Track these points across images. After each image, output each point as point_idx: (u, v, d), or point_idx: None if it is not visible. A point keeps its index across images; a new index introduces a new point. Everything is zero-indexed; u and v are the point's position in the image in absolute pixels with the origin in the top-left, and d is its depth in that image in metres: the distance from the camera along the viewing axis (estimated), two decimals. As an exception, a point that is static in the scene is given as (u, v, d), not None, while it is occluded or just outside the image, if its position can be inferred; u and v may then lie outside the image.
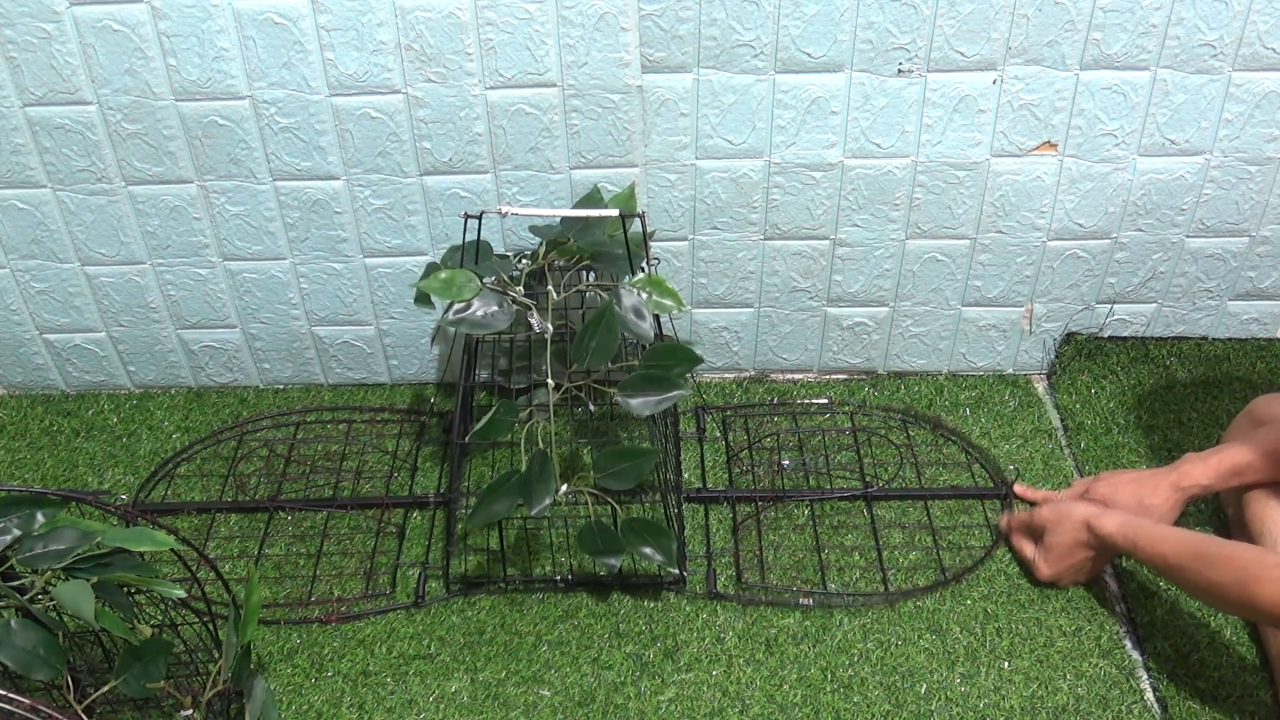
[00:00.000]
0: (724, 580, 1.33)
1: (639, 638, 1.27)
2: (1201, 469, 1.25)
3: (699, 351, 1.58)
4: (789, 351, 1.60)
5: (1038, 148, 1.39)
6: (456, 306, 1.21)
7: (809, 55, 1.32)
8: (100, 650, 1.12)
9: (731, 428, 1.54)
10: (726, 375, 1.64)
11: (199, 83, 1.32)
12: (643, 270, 1.28)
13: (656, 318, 1.26)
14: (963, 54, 1.32)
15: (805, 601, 1.29)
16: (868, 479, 1.45)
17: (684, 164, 1.41)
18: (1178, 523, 1.27)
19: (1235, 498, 1.28)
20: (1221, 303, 1.56)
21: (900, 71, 1.33)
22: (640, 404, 1.21)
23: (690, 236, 1.48)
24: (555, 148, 1.38)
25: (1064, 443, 1.50)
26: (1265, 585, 1.02)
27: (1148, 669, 1.22)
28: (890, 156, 1.40)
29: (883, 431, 1.52)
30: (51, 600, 0.97)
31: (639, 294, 1.25)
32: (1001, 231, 1.47)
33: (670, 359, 1.22)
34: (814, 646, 1.25)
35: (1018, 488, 1.42)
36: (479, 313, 1.21)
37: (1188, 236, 1.48)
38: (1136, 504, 1.26)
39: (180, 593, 1.01)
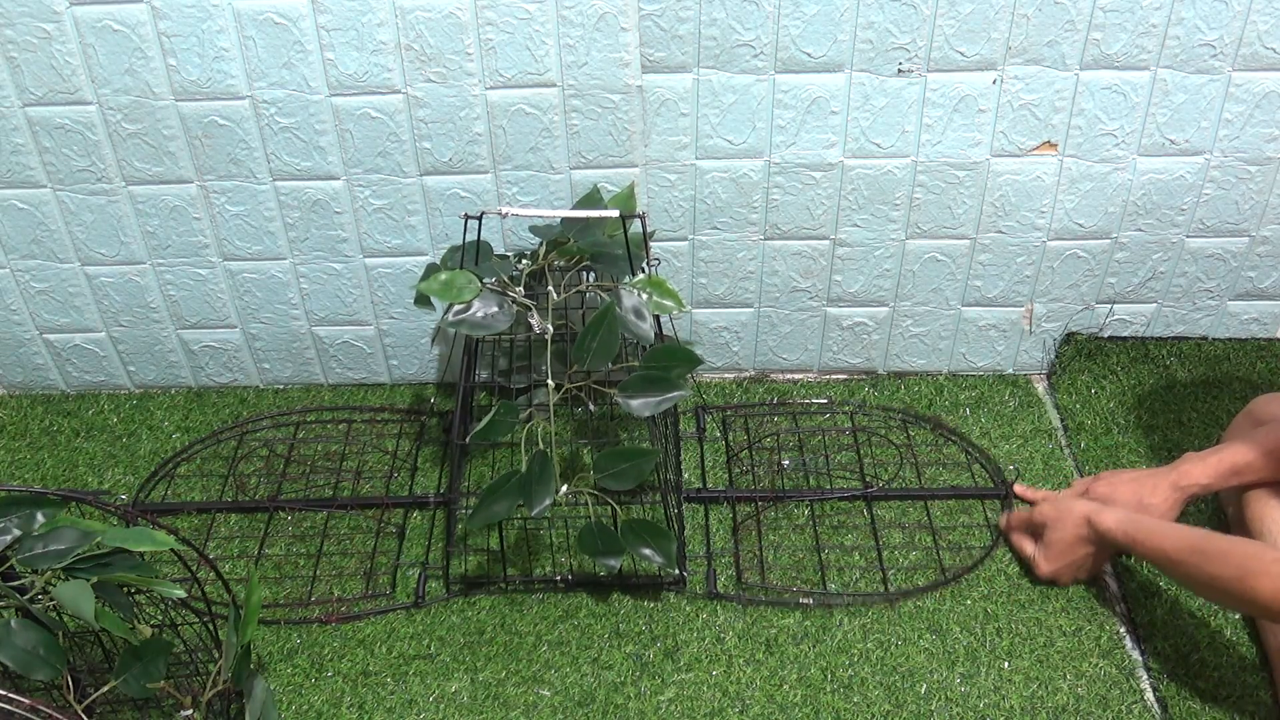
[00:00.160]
0: (724, 580, 1.33)
1: (639, 638, 1.27)
2: (1201, 468, 1.25)
3: (699, 351, 1.58)
4: (789, 351, 1.60)
5: (1038, 148, 1.39)
6: (456, 308, 1.21)
7: (809, 55, 1.32)
8: (100, 650, 1.12)
9: (731, 428, 1.54)
10: (726, 375, 1.64)
11: (199, 83, 1.32)
12: (643, 271, 1.28)
13: (657, 318, 1.26)
14: (963, 54, 1.32)
15: (805, 601, 1.29)
16: (868, 479, 1.45)
17: (684, 164, 1.41)
18: (1178, 522, 1.27)
19: (1235, 497, 1.28)
20: (1221, 303, 1.56)
21: (900, 71, 1.33)
22: (640, 405, 1.21)
23: (690, 236, 1.48)
24: (555, 148, 1.38)
25: (1064, 443, 1.50)
26: (1264, 579, 1.02)
27: (1148, 669, 1.22)
28: (890, 156, 1.40)
29: (883, 431, 1.52)
30: (51, 600, 0.97)
31: (639, 294, 1.25)
32: (1001, 231, 1.47)
33: (670, 360, 1.22)
34: (814, 646, 1.25)
35: (1018, 488, 1.42)
36: (479, 314, 1.21)
37: (1188, 236, 1.48)
38: (1136, 503, 1.26)
39: (180, 593, 1.01)
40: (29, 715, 0.90)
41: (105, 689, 1.02)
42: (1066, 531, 1.25)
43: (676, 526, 1.32)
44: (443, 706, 1.20)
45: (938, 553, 1.35)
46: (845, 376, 1.62)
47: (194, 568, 1.24)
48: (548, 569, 1.34)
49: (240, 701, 1.10)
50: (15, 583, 0.99)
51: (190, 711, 1.06)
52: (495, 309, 1.22)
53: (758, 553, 1.36)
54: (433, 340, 1.58)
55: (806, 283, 1.52)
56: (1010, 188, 1.42)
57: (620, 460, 1.22)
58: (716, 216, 1.46)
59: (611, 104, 1.35)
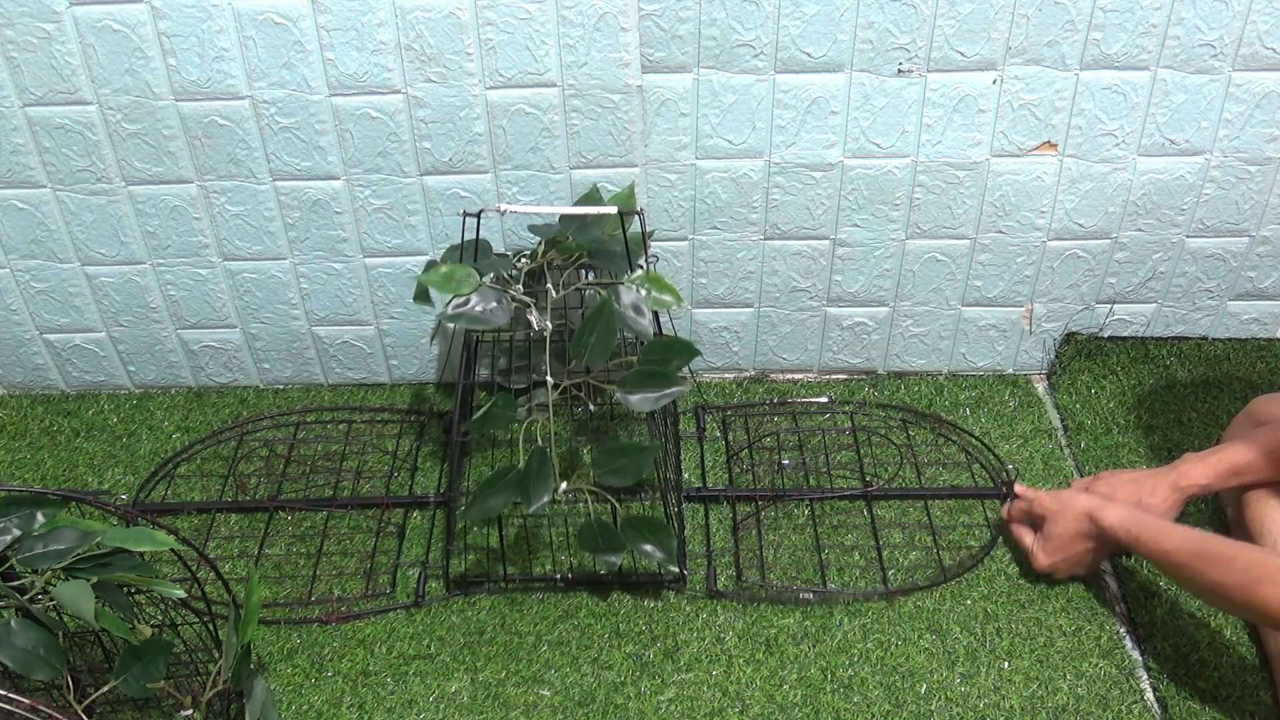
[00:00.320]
0: (724, 580, 1.33)
1: (639, 638, 1.27)
2: (1201, 469, 1.25)
3: (699, 352, 1.58)
4: (789, 351, 1.60)
5: (1038, 148, 1.39)
6: (455, 301, 1.21)
7: (809, 55, 1.32)
8: (100, 650, 1.12)
9: (731, 427, 1.54)
10: (726, 375, 1.64)
11: (199, 83, 1.32)
12: (641, 268, 1.28)
13: (656, 316, 1.27)
14: (963, 54, 1.32)
15: (806, 596, 1.29)
16: (868, 479, 1.45)
17: (684, 164, 1.41)
18: (1177, 522, 1.27)
19: (1235, 498, 1.28)
20: (1221, 303, 1.56)
21: (900, 71, 1.33)
22: (639, 400, 1.21)
23: (690, 236, 1.48)
24: (555, 148, 1.38)
25: (1064, 443, 1.50)
26: (1270, 588, 1.01)
27: (1148, 669, 1.22)
28: (890, 156, 1.40)
29: (883, 431, 1.52)
30: (51, 600, 0.97)
31: (638, 290, 1.24)
32: (1001, 231, 1.47)
33: (667, 353, 1.22)
34: (814, 646, 1.25)
35: (1017, 488, 1.41)
36: (478, 308, 1.21)
37: (1188, 236, 1.48)
38: (1135, 503, 1.25)
39: (180, 593, 1.01)
40: (29, 715, 0.90)
41: (105, 689, 1.02)
42: (1067, 525, 1.24)
43: (676, 525, 1.32)
44: (443, 706, 1.20)
45: (938, 552, 1.35)
46: (845, 376, 1.62)
47: (194, 568, 1.24)
48: (547, 568, 1.34)
49: (240, 701, 1.10)
50: (15, 583, 0.99)
51: (190, 711, 1.06)
52: (494, 303, 1.22)
53: (758, 552, 1.36)
54: (432, 337, 1.58)
55: (806, 283, 1.52)
56: (1010, 188, 1.42)
57: (619, 456, 1.22)
58: (716, 216, 1.46)
59: (611, 104, 1.35)
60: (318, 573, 1.35)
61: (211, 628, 1.12)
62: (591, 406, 1.41)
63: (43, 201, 1.43)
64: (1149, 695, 1.19)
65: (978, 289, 1.53)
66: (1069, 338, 1.58)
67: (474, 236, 1.30)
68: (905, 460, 1.47)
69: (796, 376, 1.63)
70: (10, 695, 0.90)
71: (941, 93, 1.35)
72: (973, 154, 1.39)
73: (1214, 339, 1.61)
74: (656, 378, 1.21)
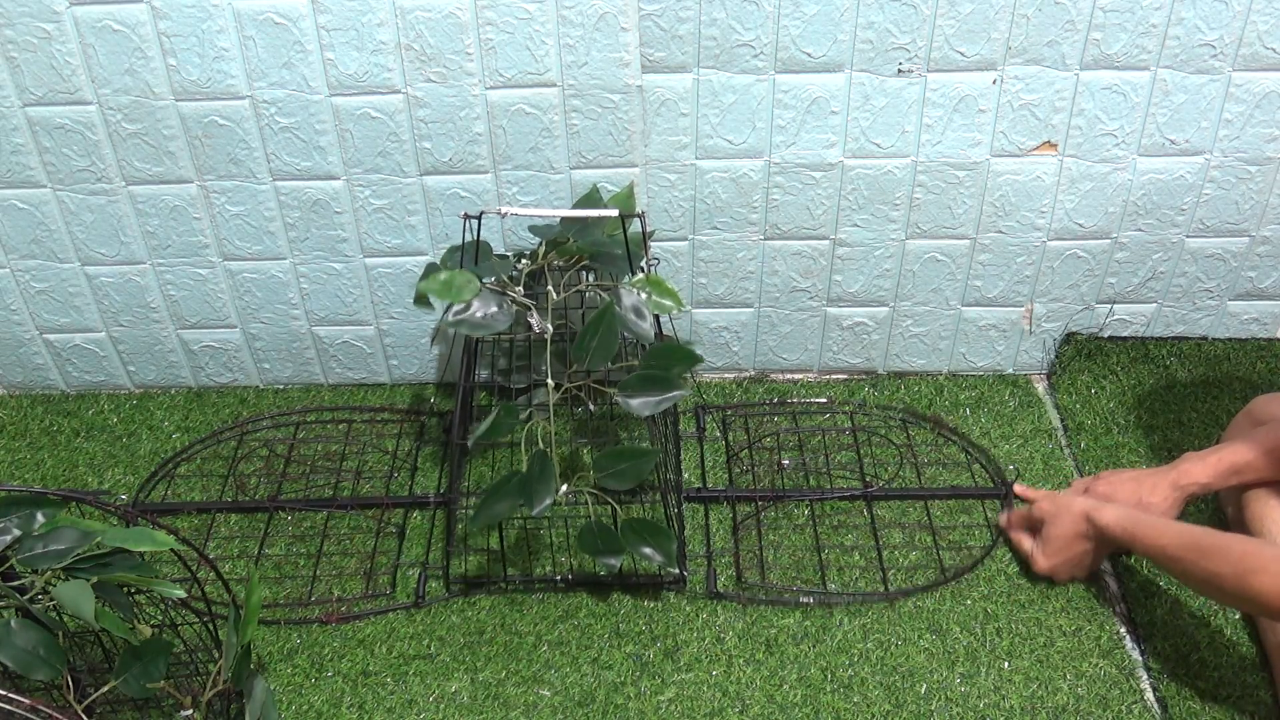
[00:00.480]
0: (724, 580, 1.33)
1: (639, 638, 1.27)
2: (1201, 468, 1.25)
3: (699, 352, 1.58)
4: (789, 351, 1.60)
5: (1038, 148, 1.39)
6: (456, 308, 1.21)
7: (809, 55, 1.32)
8: (100, 650, 1.12)
9: (731, 427, 1.54)
10: (726, 375, 1.64)
11: (199, 83, 1.32)
12: (642, 270, 1.28)
13: (656, 318, 1.26)
14: (963, 54, 1.32)
15: (805, 601, 1.29)
16: (868, 479, 1.45)
17: (684, 164, 1.41)
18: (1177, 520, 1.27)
19: (1235, 497, 1.28)
20: (1221, 303, 1.56)
21: (900, 71, 1.33)
22: (640, 404, 1.21)
23: (690, 236, 1.48)
24: (555, 148, 1.38)
25: (1064, 443, 1.50)
26: (1264, 576, 1.02)
27: (1148, 669, 1.22)
28: (890, 156, 1.40)
29: (883, 431, 1.52)
30: (51, 600, 0.97)
31: (639, 294, 1.25)
32: (1001, 231, 1.47)
33: (670, 359, 1.22)
34: (814, 646, 1.25)
35: (1017, 488, 1.42)
36: (479, 314, 1.21)
37: (1188, 236, 1.48)
38: (1136, 503, 1.26)
39: (180, 593, 1.01)
40: (29, 715, 0.90)
41: (105, 689, 1.02)
42: (1065, 527, 1.25)
43: (676, 526, 1.32)
44: (443, 706, 1.20)
45: (938, 552, 1.35)
46: (845, 376, 1.62)
47: (194, 568, 1.24)
48: (548, 569, 1.34)
49: (240, 701, 1.10)
50: (15, 583, 0.99)
51: (190, 711, 1.06)
52: (495, 309, 1.22)
53: (758, 552, 1.36)
54: (432, 340, 1.58)
55: (806, 283, 1.52)
56: (1010, 188, 1.42)
57: (620, 460, 1.22)
58: (716, 216, 1.46)
59: (611, 104, 1.35)
60: (318, 573, 1.35)
61: (211, 628, 1.12)
62: (592, 407, 1.41)
63: (43, 201, 1.43)
64: (1149, 695, 1.19)
65: (978, 289, 1.53)
66: (1069, 338, 1.58)
67: (474, 239, 1.30)
68: (905, 460, 1.47)
69: (796, 376, 1.63)
70: (10, 695, 0.90)
71: (941, 93, 1.35)
72: (973, 154, 1.39)
73: (1214, 339, 1.61)
74: (657, 381, 1.21)
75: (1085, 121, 1.37)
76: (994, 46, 1.31)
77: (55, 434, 1.57)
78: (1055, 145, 1.39)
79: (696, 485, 1.45)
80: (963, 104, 1.35)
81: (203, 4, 1.27)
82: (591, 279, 1.38)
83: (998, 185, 1.42)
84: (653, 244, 1.47)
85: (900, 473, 1.45)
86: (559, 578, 1.32)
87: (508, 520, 1.39)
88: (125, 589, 1.01)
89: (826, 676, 1.22)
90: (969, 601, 1.29)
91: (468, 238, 1.28)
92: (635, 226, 1.33)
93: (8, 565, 0.97)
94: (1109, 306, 1.56)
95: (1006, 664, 1.23)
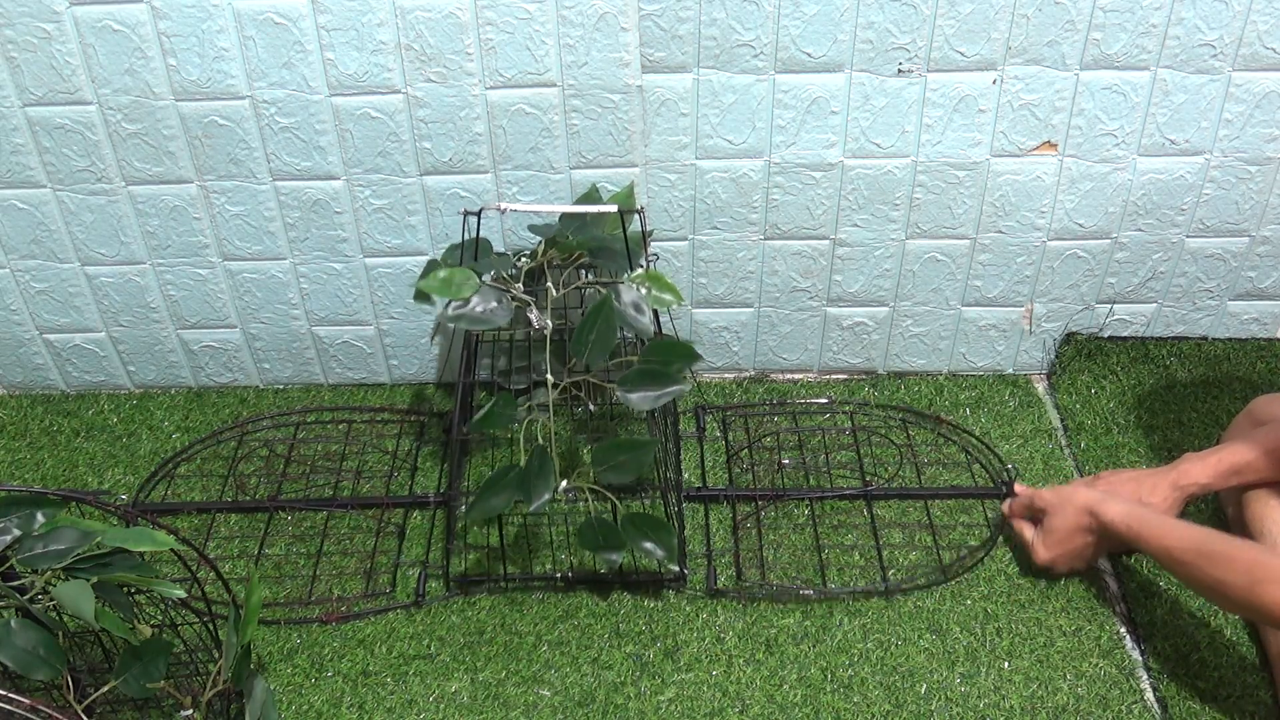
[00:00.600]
0: (724, 579, 1.33)
1: (639, 637, 1.27)
2: (1201, 468, 1.25)
3: (699, 352, 1.58)
4: (789, 351, 1.60)
5: (1038, 148, 1.39)
6: (455, 303, 1.21)
7: (809, 55, 1.32)
8: (100, 650, 1.12)
9: (731, 427, 1.54)
10: (726, 375, 1.64)
11: (199, 83, 1.32)
12: (641, 267, 1.28)
13: (656, 315, 1.26)
14: (963, 54, 1.32)
15: (806, 592, 1.29)
16: (868, 478, 1.45)
17: (684, 164, 1.41)
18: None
19: (1235, 497, 1.28)
20: (1221, 303, 1.56)
21: (900, 71, 1.33)
22: (639, 399, 1.21)
23: (690, 236, 1.48)
24: (555, 148, 1.38)
25: (1064, 443, 1.50)
26: (1271, 586, 1.01)
27: (1148, 669, 1.22)
28: (890, 156, 1.40)
29: (883, 431, 1.52)
30: (51, 600, 0.97)
31: (638, 289, 1.24)
32: (1001, 231, 1.47)
33: (668, 355, 1.22)
34: (814, 646, 1.25)
35: (1017, 487, 1.41)
36: (478, 309, 1.21)
37: (1188, 236, 1.48)
38: (1135, 502, 1.25)
39: (180, 593, 1.01)
40: (29, 715, 0.90)
41: (105, 689, 1.02)
42: (1068, 519, 1.24)
43: (677, 525, 1.32)
44: (443, 706, 1.20)
45: (938, 552, 1.35)
46: (845, 376, 1.62)
47: (194, 568, 1.24)
48: (548, 567, 1.34)
49: (240, 701, 1.10)
50: (15, 583, 0.99)
51: (190, 711, 1.06)
52: (494, 304, 1.22)
53: (758, 552, 1.36)
54: (433, 337, 1.58)
55: (806, 283, 1.52)
56: (1010, 188, 1.42)
57: (619, 452, 1.22)
58: (716, 216, 1.46)
59: (611, 104, 1.35)
60: (318, 573, 1.35)
61: (211, 628, 1.12)
62: (591, 406, 1.41)
63: (43, 201, 1.43)
64: (1149, 695, 1.19)
65: (978, 289, 1.53)
66: (1069, 338, 1.58)
67: (474, 236, 1.30)
68: (905, 460, 1.47)
69: (796, 376, 1.63)
70: (10, 695, 0.90)
71: (941, 93, 1.35)
72: (973, 154, 1.39)
73: (1214, 339, 1.61)
74: (656, 376, 1.21)
75: (1085, 121, 1.37)
76: (994, 46, 1.31)
77: (55, 434, 1.57)
78: (1055, 145, 1.39)
79: (696, 485, 1.45)
80: (963, 104, 1.35)
81: (203, 4, 1.27)
82: (591, 276, 1.38)
83: (998, 185, 1.42)
84: (653, 243, 1.47)
85: (900, 472, 1.45)
86: (559, 575, 1.32)
87: (507, 517, 1.39)
88: (125, 589, 1.01)
89: (826, 676, 1.22)
90: (969, 601, 1.29)
91: (468, 235, 1.28)
92: (635, 224, 1.33)
93: (8, 565, 0.97)
94: (1109, 306, 1.56)
95: (1006, 664, 1.23)
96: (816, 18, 1.29)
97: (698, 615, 1.29)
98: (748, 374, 1.64)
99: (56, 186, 1.42)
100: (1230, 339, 1.61)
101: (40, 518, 0.99)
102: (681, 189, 1.43)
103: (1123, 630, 1.26)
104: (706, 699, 1.20)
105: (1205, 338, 1.61)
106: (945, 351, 1.59)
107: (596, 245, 1.30)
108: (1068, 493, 1.26)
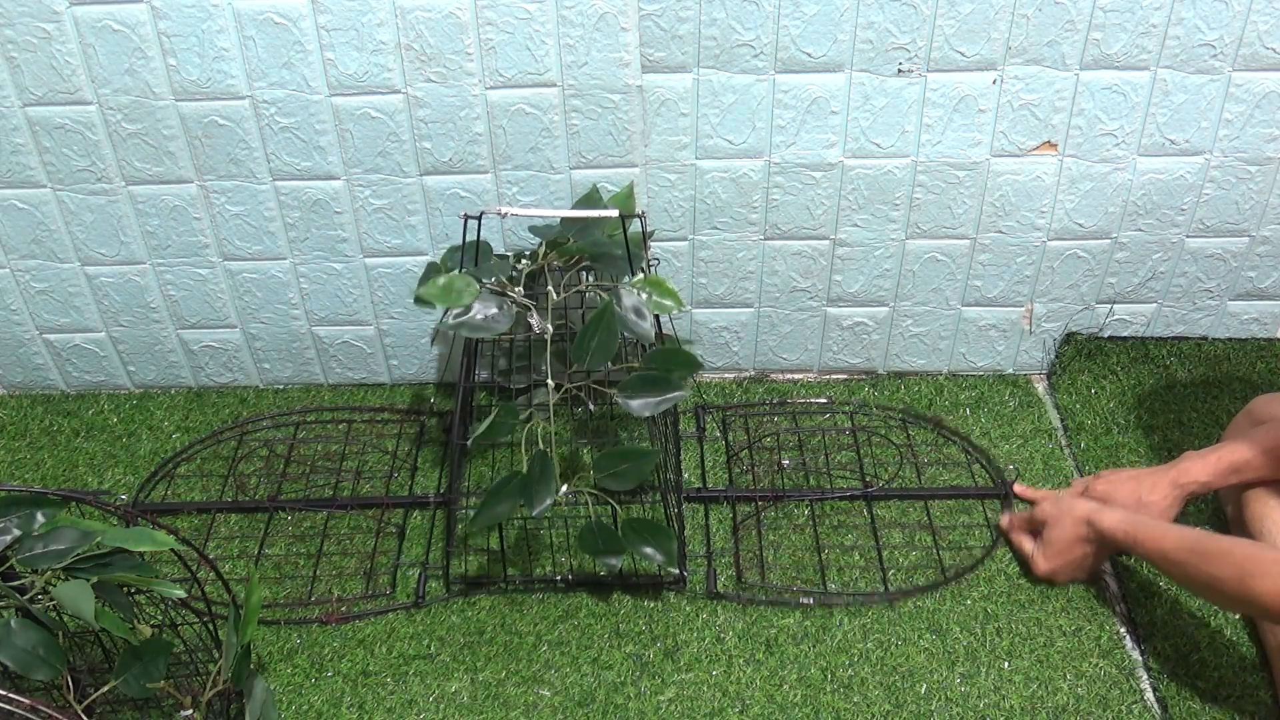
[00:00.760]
0: (724, 580, 1.33)
1: (639, 638, 1.27)
2: (1200, 466, 1.25)
3: (699, 351, 1.58)
4: (789, 351, 1.60)
5: (1038, 148, 1.39)
6: (456, 311, 1.21)
7: (809, 55, 1.32)
8: (100, 650, 1.12)
9: (731, 427, 1.54)
10: (726, 375, 1.64)
11: (199, 83, 1.32)
12: (642, 270, 1.28)
13: (656, 318, 1.27)
14: (963, 54, 1.32)
15: (806, 601, 1.29)
16: (868, 479, 1.45)
17: (684, 164, 1.41)
18: (1177, 521, 1.27)
19: (1235, 496, 1.28)
20: (1221, 303, 1.56)
21: (900, 71, 1.33)
22: (640, 405, 1.21)
23: (690, 236, 1.48)
24: (555, 148, 1.38)
25: (1064, 443, 1.50)
26: (1264, 580, 1.02)
27: (1148, 669, 1.22)
28: (890, 156, 1.40)
29: (883, 431, 1.52)
30: (51, 600, 0.97)
31: (639, 294, 1.25)
32: (1001, 231, 1.47)
33: (670, 363, 1.22)
34: (814, 646, 1.25)
35: (1017, 488, 1.42)
36: (479, 316, 1.21)
37: (1188, 236, 1.48)
38: (1135, 501, 1.26)
39: (180, 593, 1.01)
40: (29, 715, 0.90)
41: (105, 689, 1.02)
42: (1066, 530, 1.25)
43: (676, 526, 1.32)
44: (443, 706, 1.20)
45: (938, 553, 1.35)
46: (845, 376, 1.62)
47: (194, 568, 1.24)
48: (548, 569, 1.34)
49: (240, 701, 1.10)
50: (15, 583, 0.99)
51: (190, 711, 1.06)
52: (495, 310, 1.22)
53: (758, 552, 1.36)
54: (432, 340, 1.58)
55: (806, 283, 1.52)
56: (1010, 188, 1.42)
57: (620, 460, 1.22)
58: (716, 216, 1.46)
59: (611, 104, 1.35)
60: (318, 573, 1.35)
61: (211, 628, 1.12)
62: (591, 407, 1.41)
63: (43, 201, 1.43)
64: (1149, 695, 1.19)
65: (978, 289, 1.53)
66: (1069, 338, 1.58)
67: (474, 239, 1.30)
68: (905, 460, 1.47)
69: (796, 376, 1.63)
70: (10, 695, 0.90)
71: (941, 93, 1.35)
72: (973, 154, 1.39)
73: (1214, 339, 1.61)
74: (657, 382, 1.21)
75: (1085, 121, 1.37)
76: (994, 46, 1.31)
77: (55, 434, 1.57)
78: (1055, 145, 1.39)
79: (696, 485, 1.45)
80: (963, 104, 1.35)
81: (203, 4, 1.27)
82: (591, 279, 1.38)
83: (998, 185, 1.42)
84: (653, 244, 1.47)
85: (900, 473, 1.45)
86: (559, 578, 1.32)
87: (508, 521, 1.39)
88: (125, 589, 1.01)
89: (826, 676, 1.22)
90: (969, 601, 1.29)
91: (468, 238, 1.28)
92: (635, 226, 1.33)
93: (8, 565, 0.97)
94: (1109, 306, 1.56)
95: (1006, 664, 1.23)
96: (816, 18, 1.29)
97: (698, 615, 1.29)
98: (748, 374, 1.64)
99: (56, 186, 1.42)
100: (1230, 339, 1.61)
101: (40, 518, 0.99)
102: (681, 189, 1.43)
103: (1123, 630, 1.26)
104: (706, 699, 1.20)
105: (1205, 338, 1.61)
106: (945, 351, 1.59)
107: (597, 249, 1.30)
108: (1066, 504, 1.26)
